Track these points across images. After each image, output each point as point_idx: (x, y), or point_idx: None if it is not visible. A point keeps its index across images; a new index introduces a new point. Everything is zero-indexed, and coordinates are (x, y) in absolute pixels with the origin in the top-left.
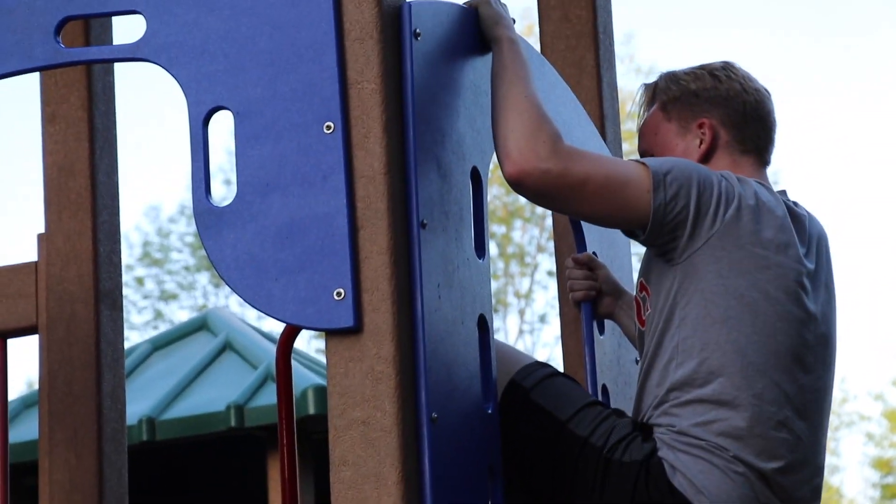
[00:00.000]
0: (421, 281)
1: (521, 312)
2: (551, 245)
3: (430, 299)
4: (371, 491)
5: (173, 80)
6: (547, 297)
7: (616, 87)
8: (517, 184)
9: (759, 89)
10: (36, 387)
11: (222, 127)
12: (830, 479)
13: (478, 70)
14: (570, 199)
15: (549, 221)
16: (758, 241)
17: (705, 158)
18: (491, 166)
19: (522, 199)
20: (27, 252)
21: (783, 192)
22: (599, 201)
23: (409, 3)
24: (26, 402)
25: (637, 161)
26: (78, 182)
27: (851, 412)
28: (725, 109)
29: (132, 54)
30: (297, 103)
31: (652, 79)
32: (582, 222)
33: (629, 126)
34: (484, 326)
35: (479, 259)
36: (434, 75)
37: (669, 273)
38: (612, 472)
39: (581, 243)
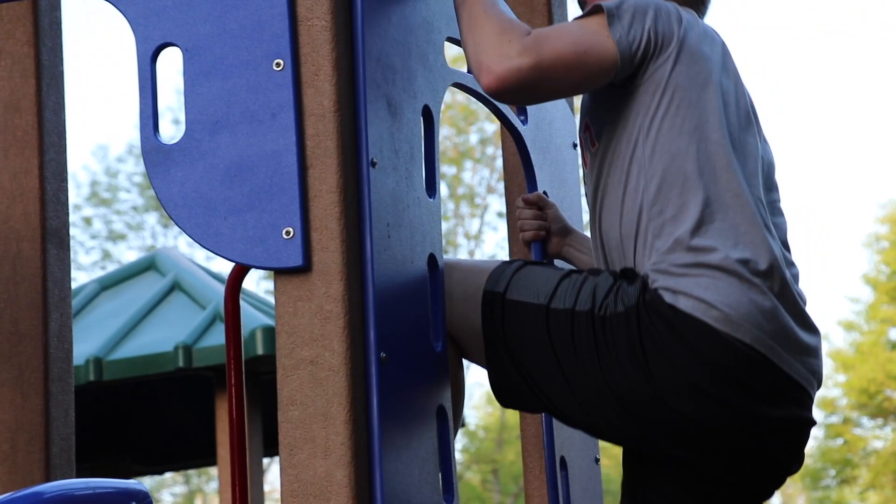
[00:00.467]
0: (370, 220)
1: (471, 253)
2: (501, 187)
3: (380, 238)
4: (319, 430)
5: (121, 15)
6: (497, 238)
7: None
8: (499, 91)
9: None
10: None
11: (171, 66)
12: None
13: (430, 6)
14: (551, 83)
15: (499, 163)
16: (709, 60)
17: None
18: (442, 106)
19: (473, 139)
20: None
21: None
22: (576, 71)
23: None
24: None
25: (588, 13)
26: (24, 119)
27: None
28: None
29: None
30: (247, 40)
31: None
32: (532, 159)
33: None
34: (434, 266)
35: (430, 198)
36: (385, 12)
37: (629, 97)
38: (610, 326)
39: (531, 183)
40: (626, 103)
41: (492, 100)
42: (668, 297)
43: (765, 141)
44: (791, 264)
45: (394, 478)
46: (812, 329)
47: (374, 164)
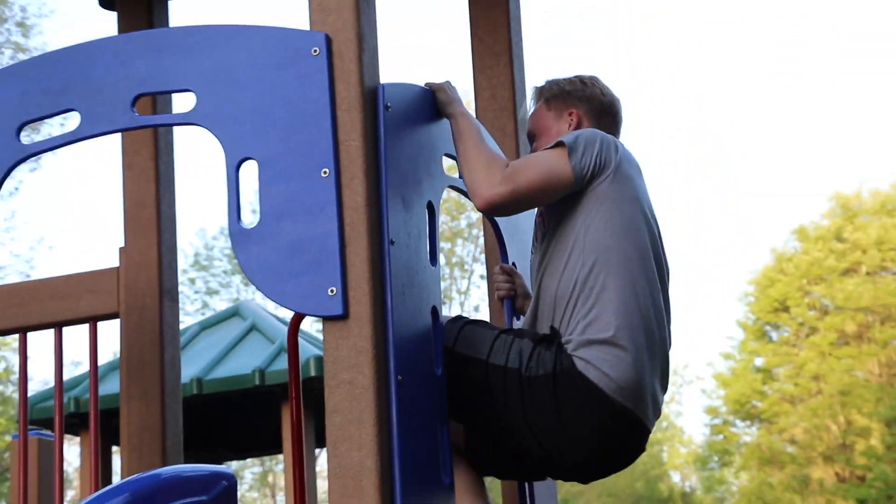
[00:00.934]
0: (391, 282)
1: (462, 304)
2: (483, 257)
3: (398, 295)
4: (355, 431)
5: (215, 138)
6: (480, 293)
7: (529, 147)
8: (489, 210)
9: (613, 96)
10: (118, 355)
11: (250, 173)
12: (676, 420)
13: (432, 132)
14: (524, 202)
15: (481, 240)
16: (634, 180)
17: None
18: (441, 200)
19: (463, 223)
20: (111, 260)
21: None
22: (543, 191)
23: (383, 84)
24: (112, 366)
25: (554, 146)
26: (147, 212)
27: (691, 374)
28: (588, 105)
29: (186, 120)
30: (303, 155)
31: (541, 83)
32: (505, 240)
33: None
34: (435, 315)
35: (432, 266)
36: (400, 136)
37: (576, 200)
38: (535, 387)
39: (504, 256)
40: (573, 204)
41: None
42: (580, 366)
43: (664, 248)
44: (666, 341)
45: (408, 464)
46: (666, 390)
47: (393, 243)
